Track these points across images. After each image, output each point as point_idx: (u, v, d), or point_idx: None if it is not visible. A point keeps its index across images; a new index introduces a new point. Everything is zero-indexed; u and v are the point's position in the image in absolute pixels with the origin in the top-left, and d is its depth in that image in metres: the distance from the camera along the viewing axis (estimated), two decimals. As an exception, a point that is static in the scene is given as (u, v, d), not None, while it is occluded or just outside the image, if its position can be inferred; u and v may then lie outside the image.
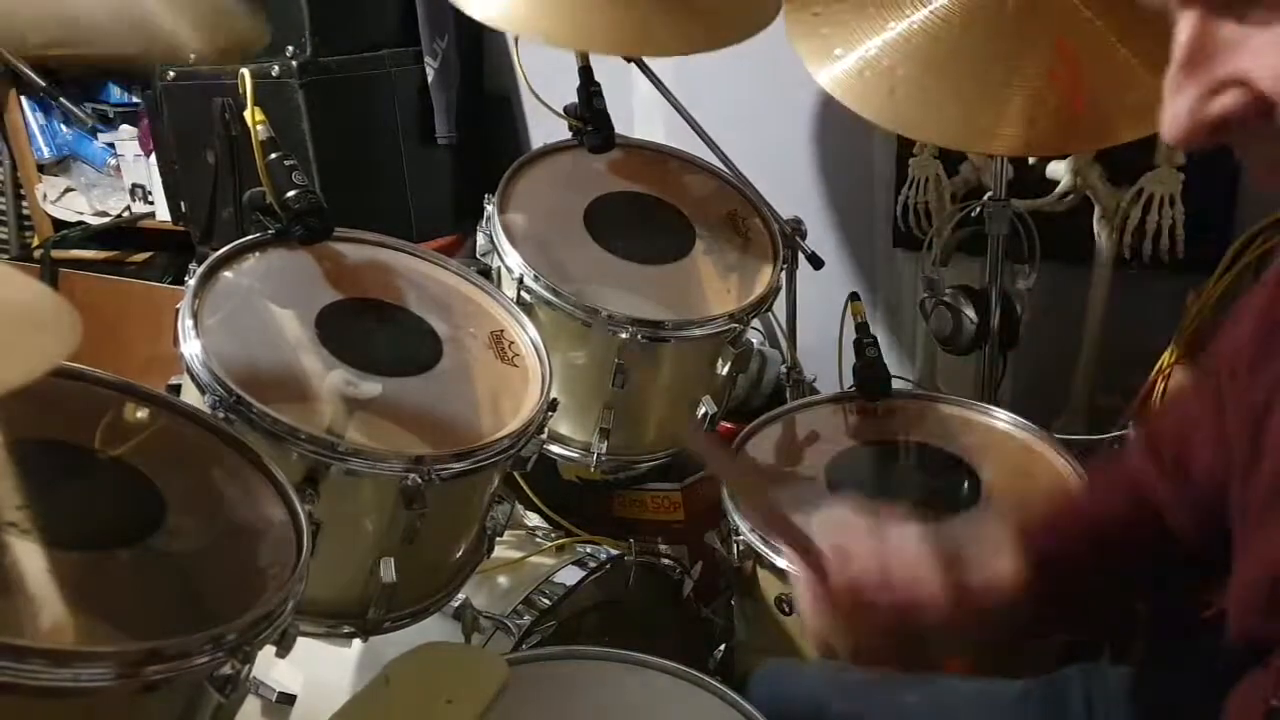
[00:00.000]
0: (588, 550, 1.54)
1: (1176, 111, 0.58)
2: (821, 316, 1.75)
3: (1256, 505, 0.77)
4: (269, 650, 0.97)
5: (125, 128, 2.88)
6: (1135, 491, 0.95)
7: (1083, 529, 0.96)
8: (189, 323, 1.19)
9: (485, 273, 1.52)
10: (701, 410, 1.53)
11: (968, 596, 0.89)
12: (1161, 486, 0.93)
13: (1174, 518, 0.91)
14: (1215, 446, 0.86)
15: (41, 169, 3.07)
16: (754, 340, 1.70)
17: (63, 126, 3.01)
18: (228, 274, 1.29)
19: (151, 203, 2.84)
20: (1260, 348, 0.80)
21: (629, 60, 1.68)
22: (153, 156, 2.72)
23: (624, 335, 1.43)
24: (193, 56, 0.79)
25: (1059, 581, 0.92)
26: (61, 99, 2.82)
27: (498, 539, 1.36)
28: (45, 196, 3.05)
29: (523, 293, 1.46)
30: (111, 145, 2.94)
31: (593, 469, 1.55)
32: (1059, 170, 1.79)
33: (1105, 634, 1.37)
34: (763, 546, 1.36)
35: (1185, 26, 0.57)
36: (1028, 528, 0.94)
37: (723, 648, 1.53)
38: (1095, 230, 1.81)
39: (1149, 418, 0.99)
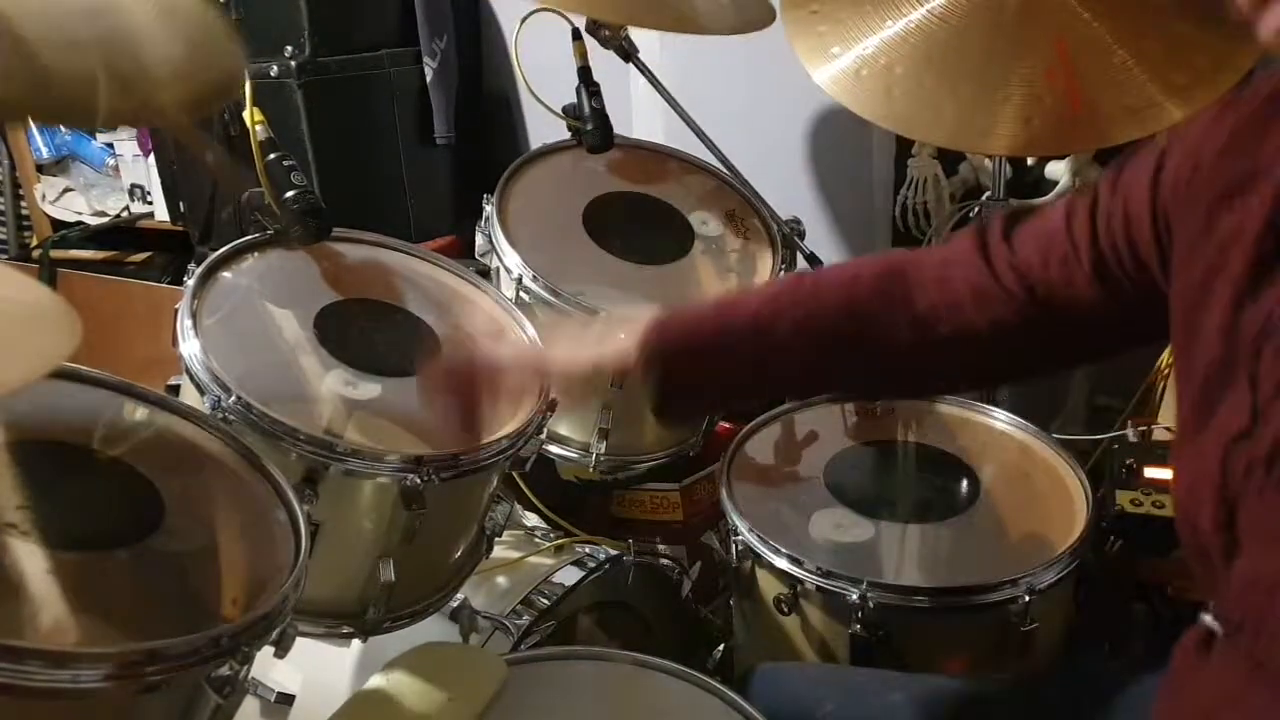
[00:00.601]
0: (586, 550, 1.54)
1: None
2: (820, 316, 1.75)
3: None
4: (268, 650, 0.97)
5: (124, 128, 2.88)
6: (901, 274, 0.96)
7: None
8: (188, 323, 1.19)
9: (484, 273, 1.52)
10: (700, 410, 1.53)
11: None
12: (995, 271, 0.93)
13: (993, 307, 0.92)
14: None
15: (40, 169, 3.07)
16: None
17: (61, 126, 3.01)
18: (226, 274, 1.29)
19: (150, 203, 2.84)
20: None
21: (627, 60, 1.68)
22: (151, 156, 2.72)
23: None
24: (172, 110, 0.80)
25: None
26: (60, 99, 2.81)
27: (496, 539, 1.36)
28: (44, 196, 3.05)
29: (521, 293, 1.46)
30: (110, 145, 2.94)
31: (591, 469, 1.55)
32: (1058, 170, 1.80)
33: (1104, 633, 1.37)
34: (761, 547, 1.36)
35: None
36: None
37: (721, 647, 1.53)
38: (1094, 230, 1.80)
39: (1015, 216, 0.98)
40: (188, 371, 1.17)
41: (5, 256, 3.08)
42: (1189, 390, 0.80)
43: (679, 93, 1.68)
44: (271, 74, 2.12)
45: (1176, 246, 0.82)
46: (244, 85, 0.97)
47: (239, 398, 1.13)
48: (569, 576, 1.48)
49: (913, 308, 0.95)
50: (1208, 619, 0.80)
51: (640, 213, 1.66)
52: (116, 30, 0.79)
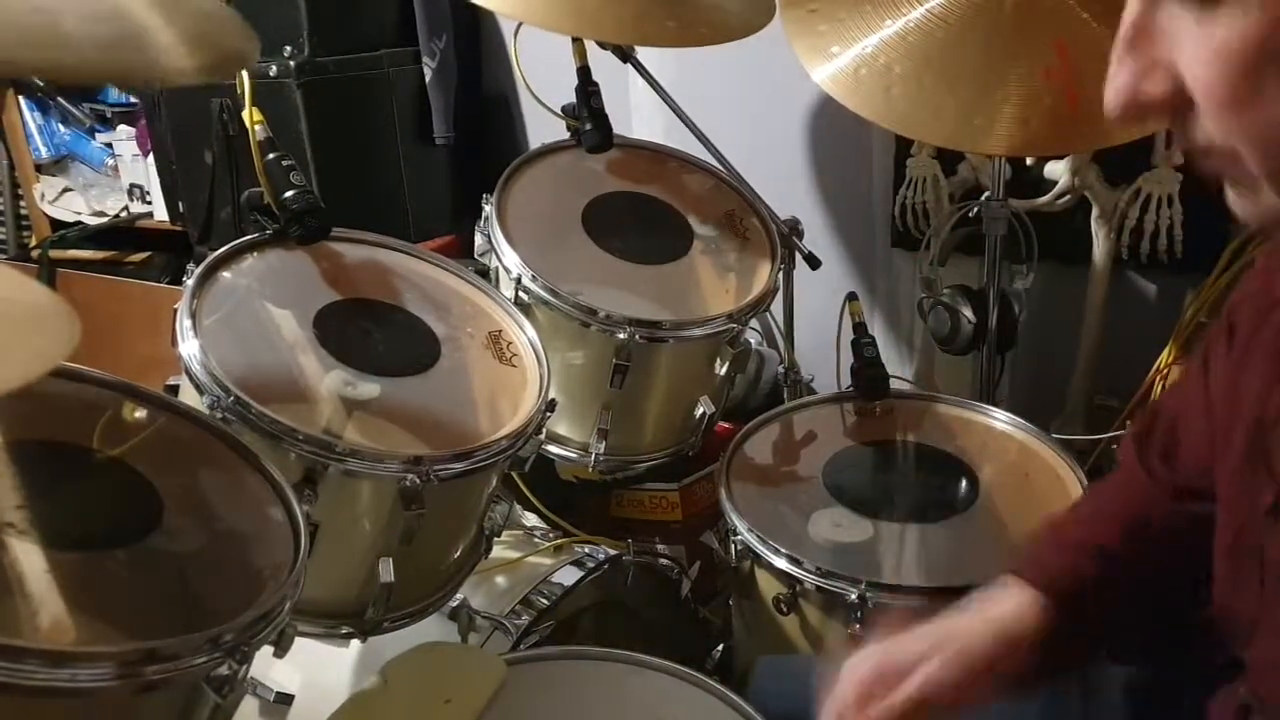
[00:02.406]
0: (585, 550, 1.54)
1: (1116, 85, 0.58)
2: (819, 316, 1.75)
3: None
4: (267, 650, 0.97)
5: (123, 128, 2.88)
6: (1131, 511, 0.96)
7: (1090, 560, 0.95)
8: (187, 323, 1.19)
9: (483, 273, 1.52)
10: (700, 410, 1.53)
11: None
12: (1152, 487, 0.94)
13: (1167, 514, 0.92)
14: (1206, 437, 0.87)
15: (39, 169, 3.07)
16: (752, 340, 1.70)
17: (60, 126, 3.02)
18: (226, 274, 1.29)
19: (149, 203, 2.85)
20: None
21: (625, 60, 1.68)
22: (150, 156, 2.72)
23: (622, 335, 1.43)
24: (186, 75, 0.80)
25: (1071, 621, 0.92)
26: (59, 99, 2.82)
27: (496, 539, 1.36)
28: (43, 196, 3.05)
29: (521, 293, 1.46)
30: (109, 145, 2.94)
31: (591, 469, 1.55)
32: (1057, 170, 1.79)
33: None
34: (760, 547, 1.36)
35: (1132, 3, 0.58)
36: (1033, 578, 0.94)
37: (720, 647, 1.54)
38: (1093, 230, 1.81)
39: (1140, 418, 1.00)
40: (187, 371, 1.17)
41: (5, 256, 3.08)
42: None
43: (678, 92, 1.68)
44: (270, 74, 2.12)
45: None
46: (254, 58, 0.97)
47: (238, 398, 1.13)
48: (568, 576, 1.48)
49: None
50: (1243, 690, 0.81)
51: (640, 213, 1.66)
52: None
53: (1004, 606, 0.93)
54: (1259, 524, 0.76)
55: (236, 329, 1.24)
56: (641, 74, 1.68)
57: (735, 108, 2.09)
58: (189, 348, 1.17)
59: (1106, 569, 0.94)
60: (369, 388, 1.24)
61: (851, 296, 1.68)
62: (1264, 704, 0.78)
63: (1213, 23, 0.53)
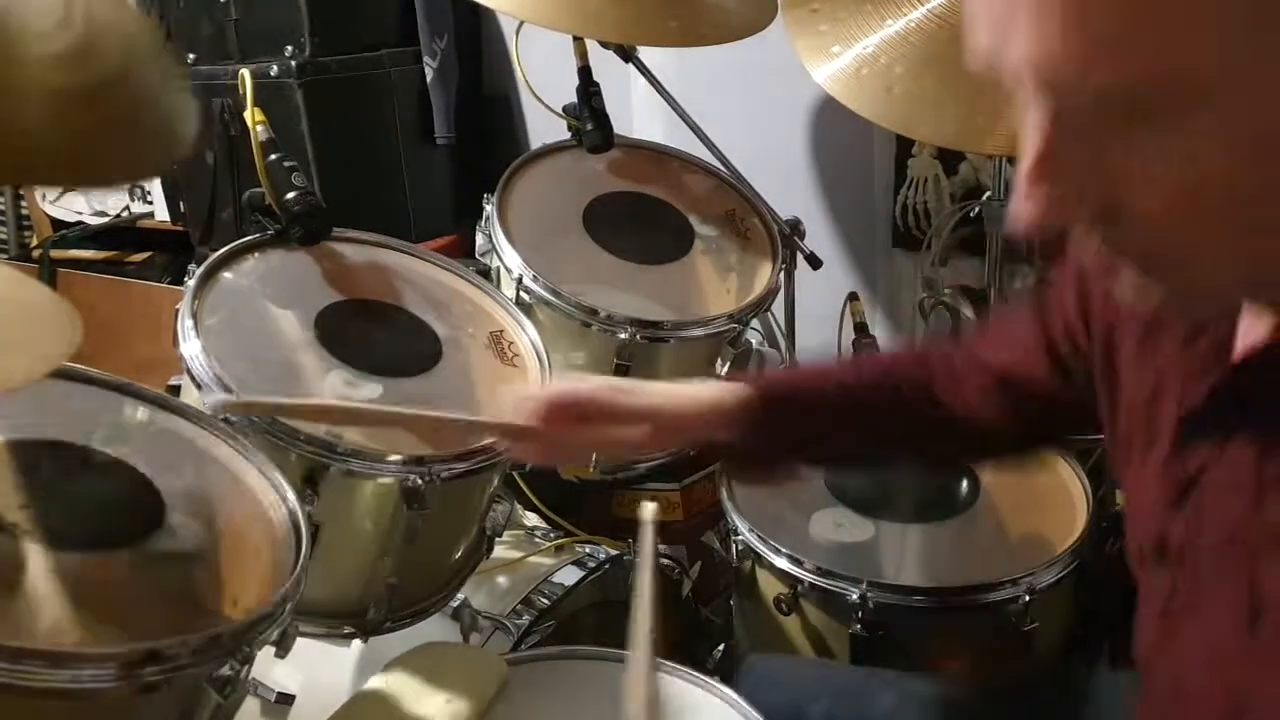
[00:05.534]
0: (586, 550, 1.54)
1: (1029, 214, 0.57)
2: (820, 316, 1.75)
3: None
4: (268, 650, 0.97)
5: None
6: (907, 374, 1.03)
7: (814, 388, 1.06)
8: (188, 323, 1.19)
9: (484, 273, 1.52)
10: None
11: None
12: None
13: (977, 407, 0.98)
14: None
15: (40, 169, 3.06)
16: (753, 340, 1.70)
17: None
18: (227, 275, 1.29)
19: (150, 203, 2.84)
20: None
21: (627, 60, 1.68)
22: (152, 156, 2.71)
23: (623, 335, 1.43)
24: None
25: (781, 417, 1.01)
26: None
27: (497, 539, 1.36)
28: (44, 196, 3.05)
29: (522, 293, 1.46)
30: (110, 145, 2.93)
31: (591, 469, 1.55)
32: (1057, 170, 1.79)
33: (1104, 633, 1.37)
34: (761, 546, 1.36)
35: (1038, 134, 0.57)
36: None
37: (721, 647, 1.54)
38: (1094, 230, 1.81)
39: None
40: (188, 371, 1.18)
41: (5, 256, 3.08)
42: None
43: (679, 92, 1.68)
44: (271, 74, 2.12)
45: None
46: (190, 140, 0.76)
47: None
48: (569, 576, 1.48)
49: (931, 390, 1.03)
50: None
51: (640, 212, 1.66)
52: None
53: (710, 388, 1.04)
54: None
55: (238, 329, 1.24)
56: (643, 74, 1.68)
57: (736, 108, 2.09)
58: (190, 348, 1.17)
59: (832, 389, 1.05)
60: (370, 388, 1.24)
61: (853, 296, 1.68)
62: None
63: (1169, 141, 0.53)
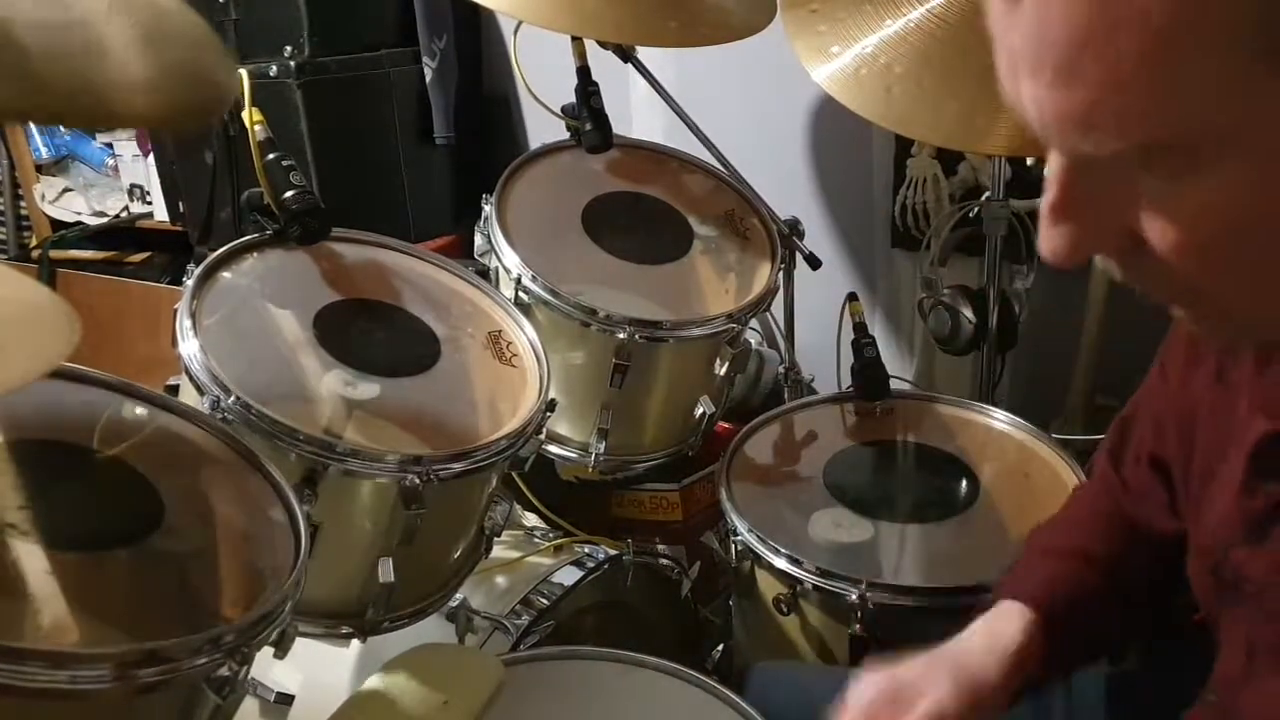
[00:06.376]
0: (585, 550, 1.54)
1: (1056, 248, 0.58)
2: (820, 317, 1.75)
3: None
4: (267, 650, 0.97)
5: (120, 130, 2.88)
6: (1113, 521, 0.97)
7: (1077, 565, 0.97)
8: (187, 323, 1.19)
9: (483, 273, 1.52)
10: (700, 410, 1.53)
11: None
12: (1133, 499, 0.96)
13: (1158, 518, 0.94)
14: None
15: (40, 169, 3.07)
16: (752, 340, 1.70)
17: (60, 126, 3.01)
18: (226, 274, 1.29)
19: (149, 203, 2.85)
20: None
21: (626, 60, 1.68)
22: (151, 157, 2.72)
23: (622, 335, 1.43)
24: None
25: (1069, 633, 0.92)
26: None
27: (496, 539, 1.36)
28: (43, 196, 3.05)
29: (520, 293, 1.46)
30: (109, 145, 2.94)
31: (591, 469, 1.55)
32: (1057, 170, 1.79)
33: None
34: (760, 547, 1.36)
35: (1059, 176, 0.57)
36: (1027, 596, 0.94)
37: (720, 647, 1.54)
38: (1093, 230, 1.80)
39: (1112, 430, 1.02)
40: (187, 371, 1.17)
41: (5, 256, 3.08)
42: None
43: (678, 92, 1.68)
44: (271, 74, 2.12)
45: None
46: (231, 101, 0.85)
47: (238, 398, 1.13)
48: (568, 576, 1.48)
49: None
50: (1212, 698, 0.82)
51: (639, 213, 1.66)
52: (93, 42, 0.76)
53: (1006, 630, 0.92)
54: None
55: (237, 329, 1.24)
56: (642, 74, 1.68)
57: (736, 108, 2.09)
58: (189, 348, 1.17)
59: (1093, 572, 0.95)
60: (369, 388, 1.24)
61: (852, 296, 1.68)
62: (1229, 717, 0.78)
63: (1191, 187, 0.52)
